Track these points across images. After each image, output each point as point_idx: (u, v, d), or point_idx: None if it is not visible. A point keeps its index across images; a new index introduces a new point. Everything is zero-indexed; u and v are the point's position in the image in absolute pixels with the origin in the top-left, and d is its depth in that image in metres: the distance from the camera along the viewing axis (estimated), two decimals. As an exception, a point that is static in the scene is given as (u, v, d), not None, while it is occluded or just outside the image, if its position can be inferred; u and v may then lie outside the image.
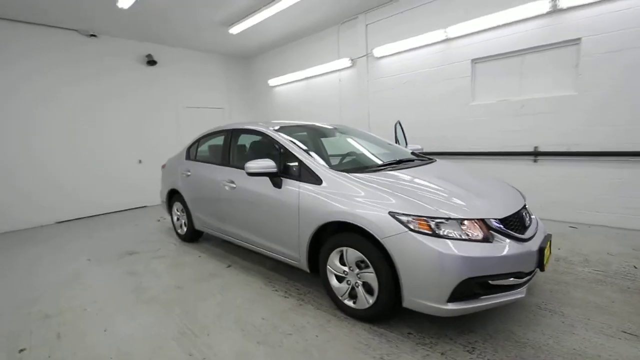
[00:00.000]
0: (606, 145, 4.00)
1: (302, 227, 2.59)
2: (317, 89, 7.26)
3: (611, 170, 4.02)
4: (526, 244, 2.12)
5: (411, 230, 1.99)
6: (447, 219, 2.00)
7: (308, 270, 2.69)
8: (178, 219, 4.49)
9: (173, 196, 4.49)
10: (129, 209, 6.93)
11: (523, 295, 2.07)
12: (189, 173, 4.03)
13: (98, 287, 3.20)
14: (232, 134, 3.62)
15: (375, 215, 2.12)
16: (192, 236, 4.31)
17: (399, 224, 2.03)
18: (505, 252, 1.98)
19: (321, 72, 6.99)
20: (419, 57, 5.47)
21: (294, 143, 2.91)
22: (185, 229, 4.34)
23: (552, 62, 4.30)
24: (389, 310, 2.21)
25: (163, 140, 7.36)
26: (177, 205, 4.41)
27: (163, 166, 4.85)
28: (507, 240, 2.05)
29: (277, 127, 3.23)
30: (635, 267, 2.98)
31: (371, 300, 2.25)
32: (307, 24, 6.50)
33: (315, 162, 2.66)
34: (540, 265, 2.15)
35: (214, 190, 3.57)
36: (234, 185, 3.26)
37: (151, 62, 6.90)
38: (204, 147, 4.15)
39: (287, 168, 2.81)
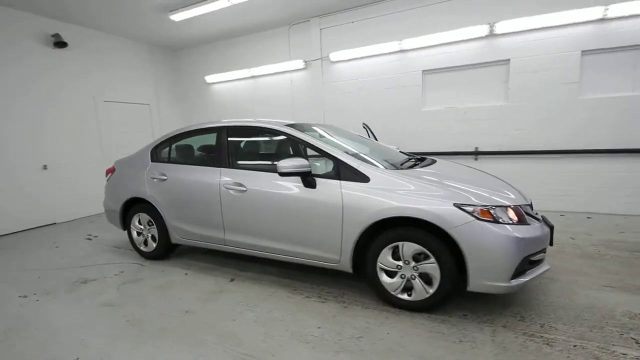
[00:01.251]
0: (527, 146, 5.04)
1: (347, 226, 2.52)
2: (265, 89, 7.01)
3: (533, 165, 5.08)
4: (542, 224, 2.56)
5: (477, 219, 2.19)
6: (501, 206, 2.26)
7: (350, 271, 2.64)
8: (140, 234, 3.75)
9: (132, 207, 3.74)
10: (34, 228, 5.40)
11: (549, 267, 2.49)
12: (164, 177, 3.43)
13: (76, 329, 2.45)
14: (228, 132, 3.24)
15: (441, 209, 2.24)
16: (165, 252, 3.67)
17: (466, 214, 2.20)
18: (539, 232, 2.35)
19: (270, 71, 6.79)
20: (376, 65, 5.87)
21: (325, 142, 2.82)
22: (154, 244, 3.65)
23: (488, 77, 5.21)
24: (448, 297, 2.35)
25: (77, 140, 6.00)
26: (140, 218, 3.68)
27: (110, 171, 3.99)
28: (536, 222, 2.44)
29: (287, 124, 3.06)
30: (589, 218, 3.87)
31: (431, 290, 2.36)
32: (255, 20, 6.24)
33: (356, 160, 2.63)
34: (551, 241, 2.61)
35: (208, 195, 3.14)
36: (244, 189, 2.94)
37: (60, 43, 5.53)
38: (182, 147, 3.59)
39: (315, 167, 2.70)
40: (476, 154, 5.38)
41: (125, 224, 3.89)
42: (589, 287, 2.72)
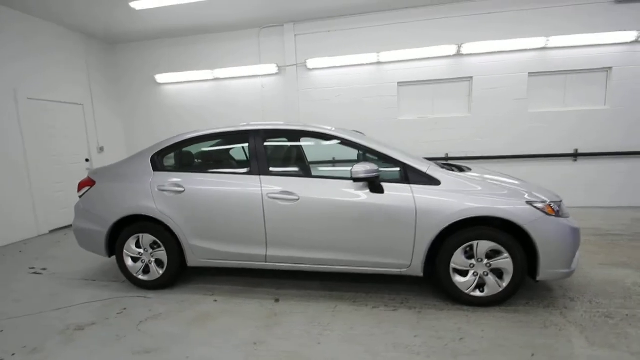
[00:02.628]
0: (487, 151, 5.81)
1: (421, 230, 2.52)
2: (232, 92, 6.53)
3: (493, 168, 5.84)
4: None
5: (545, 214, 2.43)
6: (557, 202, 2.56)
7: (421, 275, 2.63)
8: (137, 260, 3.06)
9: (124, 227, 3.04)
10: None
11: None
12: (180, 189, 2.89)
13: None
14: (264, 136, 2.91)
15: (517, 207, 2.42)
16: (173, 279, 3.07)
17: (537, 210, 2.43)
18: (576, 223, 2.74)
19: (238, 74, 6.36)
20: (353, 74, 6.02)
21: (384, 146, 2.78)
22: (160, 271, 3.03)
23: (454, 91, 5.85)
24: (518, 289, 2.54)
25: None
26: (140, 239, 3.01)
27: (85, 184, 3.18)
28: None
29: (332, 129, 2.92)
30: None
31: (504, 284, 2.52)
32: (222, 18, 5.80)
33: (424, 164, 2.66)
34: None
35: (246, 207, 2.77)
36: (295, 197, 2.68)
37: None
38: (203, 154, 3.09)
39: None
40: (447, 159, 5.95)
41: (112, 250, 3.14)
42: (590, 267, 3.26)
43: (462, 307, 2.59)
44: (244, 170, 2.89)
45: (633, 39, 5.03)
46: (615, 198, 5.46)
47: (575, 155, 5.53)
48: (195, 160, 3.13)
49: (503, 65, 5.55)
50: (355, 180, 2.52)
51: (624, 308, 2.49)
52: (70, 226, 5.75)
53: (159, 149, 3.11)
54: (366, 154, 2.79)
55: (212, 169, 3.03)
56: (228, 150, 3.15)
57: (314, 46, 6.06)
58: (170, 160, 3.11)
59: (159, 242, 2.98)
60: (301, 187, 2.72)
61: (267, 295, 2.93)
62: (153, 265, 3.05)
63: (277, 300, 2.82)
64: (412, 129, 5.97)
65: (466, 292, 2.57)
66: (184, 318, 2.60)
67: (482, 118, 5.75)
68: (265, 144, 2.90)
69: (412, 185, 2.58)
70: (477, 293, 2.57)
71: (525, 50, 5.41)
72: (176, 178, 2.96)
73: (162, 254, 3.00)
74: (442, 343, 2.17)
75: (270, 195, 2.73)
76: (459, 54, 5.62)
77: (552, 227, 2.42)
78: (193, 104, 6.71)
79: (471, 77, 5.70)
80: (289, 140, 3.11)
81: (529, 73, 5.49)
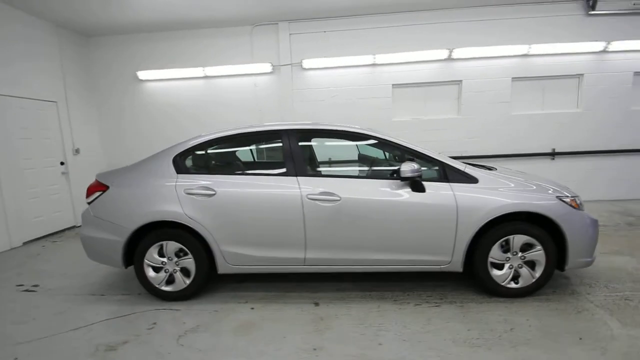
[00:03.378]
0: (475, 151, 6.14)
1: (462, 227, 2.60)
2: (223, 91, 6.28)
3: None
4: None
5: (572, 207, 2.63)
6: (577, 196, 2.78)
7: (460, 270, 2.71)
8: (160, 270, 2.84)
9: (147, 235, 2.81)
10: None
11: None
12: (211, 192, 2.73)
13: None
14: (298, 136, 2.84)
15: (550, 203, 2.58)
16: (199, 289, 2.89)
17: (565, 204, 2.61)
18: (589, 215, 2.99)
19: (230, 72, 6.13)
20: (349, 75, 6.07)
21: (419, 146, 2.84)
22: (187, 280, 2.83)
23: (445, 93, 6.11)
24: (549, 279, 2.71)
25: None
26: (164, 247, 2.80)
27: (96, 189, 2.89)
28: None
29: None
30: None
31: (537, 275, 2.68)
32: (212, 13, 5.55)
33: (461, 163, 2.75)
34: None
35: (284, 209, 2.69)
36: (337, 198, 2.65)
37: None
38: (231, 154, 2.95)
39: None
40: (438, 159, 6.18)
41: (129, 260, 2.88)
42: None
43: (498, 299, 2.72)
44: (279, 171, 2.81)
45: (601, 48, 5.60)
46: (588, 192, 6.01)
47: (553, 154, 6.03)
48: (223, 161, 2.98)
49: (489, 70, 5.90)
50: (403, 179, 2.55)
51: (637, 291, 2.76)
52: (46, 237, 5.21)
53: (181, 150, 2.91)
54: (404, 153, 2.83)
55: (242, 170, 2.90)
56: (259, 150, 3.03)
57: (309, 46, 6.02)
58: (197, 161, 2.92)
59: (185, 249, 2.79)
60: (341, 187, 2.69)
61: (304, 299, 2.86)
62: (178, 275, 2.84)
63: (316, 304, 2.77)
64: (406, 129, 6.14)
65: (502, 284, 2.70)
66: (226, 328, 2.46)
67: (470, 120, 6.06)
68: (302, 143, 2.84)
69: (452, 184, 2.66)
70: (512, 285, 2.71)
71: (510, 56, 5.79)
72: (205, 181, 2.79)
73: (189, 262, 2.81)
74: (496, 334, 2.26)
75: (310, 196, 2.67)
76: (450, 58, 5.88)
77: (577, 219, 2.62)
78: (182, 103, 6.35)
79: (460, 81, 5.99)
80: (326, 139, 3.07)
81: (512, 78, 5.89)
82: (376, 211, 2.65)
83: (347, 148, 3.29)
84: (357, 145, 3.11)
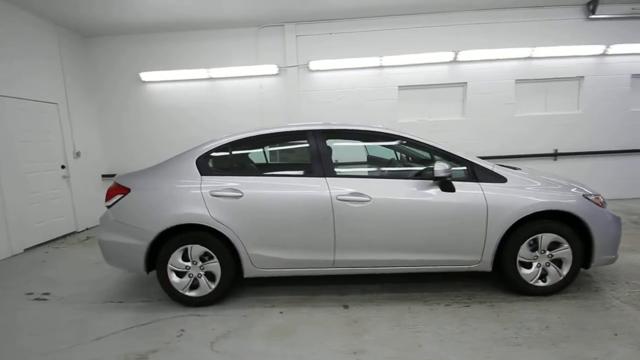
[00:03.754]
0: (480, 152, 6.21)
1: (492, 226, 2.61)
2: (228, 93, 6.21)
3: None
4: None
5: (598, 205, 2.67)
6: (599, 195, 2.82)
7: (490, 270, 2.72)
8: (183, 275, 2.76)
9: (170, 239, 2.72)
10: None
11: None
12: (238, 194, 2.67)
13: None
14: (325, 137, 2.82)
15: (577, 201, 2.62)
16: (224, 293, 2.82)
17: (591, 202, 2.65)
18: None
19: (235, 74, 6.07)
20: (355, 77, 6.07)
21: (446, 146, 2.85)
22: (212, 285, 2.76)
23: (450, 95, 6.17)
24: (575, 277, 2.74)
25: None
26: (189, 251, 2.72)
27: (117, 192, 2.80)
28: None
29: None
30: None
31: (564, 273, 2.70)
32: (217, 14, 5.50)
33: (489, 163, 2.76)
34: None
35: (313, 211, 2.65)
36: (367, 199, 2.63)
37: None
38: (256, 155, 2.90)
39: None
40: (443, 160, 6.24)
41: (150, 264, 2.80)
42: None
43: (526, 297, 2.73)
44: (307, 172, 2.77)
45: (601, 51, 5.75)
46: (587, 192, 6.15)
47: (555, 155, 6.15)
48: (249, 162, 2.92)
49: (494, 72, 5.99)
50: (435, 179, 2.55)
51: (660, 287, 2.82)
52: (48, 242, 5.03)
53: (205, 151, 2.85)
54: (433, 154, 2.84)
55: (268, 171, 2.85)
56: (284, 151, 2.99)
57: (315, 47, 6.00)
58: (221, 162, 2.86)
59: (211, 253, 2.72)
60: (370, 187, 2.67)
61: (333, 302, 2.82)
62: (203, 279, 2.77)
63: (346, 307, 2.73)
64: (412, 131, 6.14)
65: (531, 283, 2.72)
66: (258, 333, 2.41)
67: (475, 121, 6.14)
68: (329, 144, 2.81)
69: (481, 183, 2.67)
70: (540, 283, 2.73)
71: (514, 59, 5.90)
72: (231, 182, 2.73)
73: (214, 265, 2.74)
74: (533, 333, 2.27)
75: (339, 197, 2.64)
76: (455, 61, 5.95)
77: (602, 217, 2.67)
78: (185, 105, 6.24)
79: (466, 83, 6.07)
80: (351, 140, 3.05)
81: (516, 80, 6.00)
82: (406, 211, 2.64)
83: (372, 148, 3.28)
84: (382, 145, 3.10)
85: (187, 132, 6.15)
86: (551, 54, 5.82)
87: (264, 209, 2.68)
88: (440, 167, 2.51)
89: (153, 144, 6.30)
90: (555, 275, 2.71)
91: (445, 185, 2.63)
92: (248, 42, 6.07)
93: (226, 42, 6.08)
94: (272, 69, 6.00)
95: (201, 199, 2.69)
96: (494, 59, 5.91)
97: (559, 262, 2.71)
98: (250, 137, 2.89)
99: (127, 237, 2.75)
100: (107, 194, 2.85)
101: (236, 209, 2.68)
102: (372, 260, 2.72)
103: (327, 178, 2.71)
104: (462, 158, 2.75)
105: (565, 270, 2.70)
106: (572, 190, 2.72)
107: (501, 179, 2.70)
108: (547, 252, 2.69)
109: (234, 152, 2.88)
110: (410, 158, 3.22)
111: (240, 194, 2.68)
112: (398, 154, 3.26)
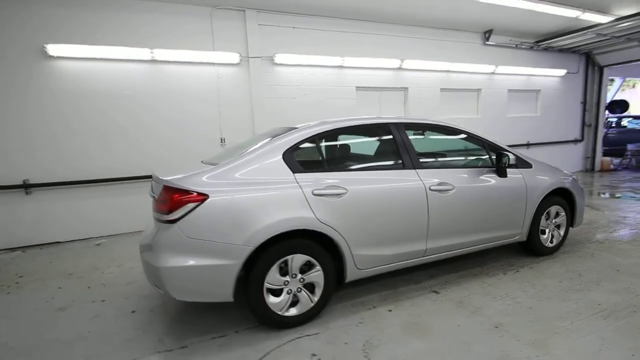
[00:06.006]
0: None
1: (529, 203, 3.24)
2: (176, 79, 5.16)
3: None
4: None
5: (576, 182, 3.66)
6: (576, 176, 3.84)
7: (525, 239, 3.34)
8: (280, 292, 2.31)
9: (266, 252, 2.23)
10: None
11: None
12: (342, 191, 2.42)
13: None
14: (405, 129, 2.85)
15: (568, 181, 3.51)
16: (324, 306, 2.50)
17: (575, 181, 3.61)
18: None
19: (187, 59, 5.13)
20: (318, 74, 6.07)
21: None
22: (315, 298, 2.40)
23: (396, 98, 6.93)
24: (567, 237, 3.66)
25: None
26: (289, 263, 2.29)
27: (188, 200, 2.10)
28: None
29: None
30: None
31: (561, 233, 3.58)
32: None
33: (521, 153, 3.36)
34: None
35: (411, 203, 2.68)
36: (451, 187, 2.83)
37: None
38: (344, 147, 2.66)
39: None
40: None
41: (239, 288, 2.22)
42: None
43: (543, 257, 3.50)
44: (398, 164, 2.75)
45: (492, 70, 7.58)
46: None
47: (466, 150, 7.74)
48: (337, 156, 2.65)
49: (427, 81, 7.06)
50: (502, 167, 2.98)
51: (610, 234, 4.06)
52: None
53: (291, 145, 2.45)
54: (486, 146, 3.24)
55: (358, 164, 2.67)
56: (368, 144, 2.84)
57: (279, 40, 5.70)
58: (304, 157, 2.49)
59: (312, 261, 2.37)
60: (449, 177, 2.88)
61: (422, 290, 2.89)
62: (304, 293, 2.38)
63: (437, 292, 2.85)
64: (367, 129, 6.63)
65: (546, 245, 3.49)
66: (396, 334, 2.27)
67: (413, 121, 7.08)
68: (411, 137, 2.86)
69: (520, 169, 3.26)
70: (550, 244, 3.53)
71: (439, 70, 7.10)
72: (329, 179, 2.44)
73: (316, 275, 2.40)
74: (578, 280, 2.96)
75: (432, 187, 2.74)
76: (401, 68, 6.71)
77: (580, 192, 3.67)
78: (110, 88, 4.80)
79: (407, 88, 6.93)
80: (425, 133, 3.14)
81: (440, 88, 7.24)
82: (480, 196, 2.98)
83: (442, 141, 3.49)
84: (449, 138, 3.37)
85: (112, 123, 4.84)
86: (462, 69, 7.29)
87: (368, 205, 2.52)
88: (512, 157, 2.95)
89: (56, 133, 4.67)
90: (558, 237, 3.57)
91: (501, 171, 3.10)
92: (202, 24, 5.22)
93: (175, 18, 5.06)
94: (234, 57, 5.37)
95: (304, 199, 2.31)
96: (427, 69, 6.97)
97: (559, 227, 3.58)
98: (333, 130, 2.64)
99: (209, 257, 2.10)
100: (165, 204, 2.08)
101: (339, 208, 2.42)
102: (454, 244, 2.94)
103: (417, 170, 2.77)
104: (506, 149, 3.27)
105: (562, 232, 3.60)
106: (563, 172, 3.63)
107: (529, 165, 3.36)
108: (554, 220, 3.52)
109: (327, 145, 2.58)
110: (466, 149, 3.57)
111: (344, 191, 2.44)
112: (459, 145, 3.57)
